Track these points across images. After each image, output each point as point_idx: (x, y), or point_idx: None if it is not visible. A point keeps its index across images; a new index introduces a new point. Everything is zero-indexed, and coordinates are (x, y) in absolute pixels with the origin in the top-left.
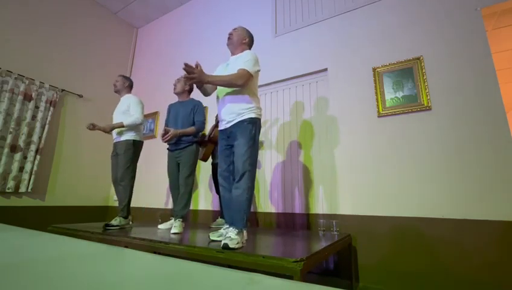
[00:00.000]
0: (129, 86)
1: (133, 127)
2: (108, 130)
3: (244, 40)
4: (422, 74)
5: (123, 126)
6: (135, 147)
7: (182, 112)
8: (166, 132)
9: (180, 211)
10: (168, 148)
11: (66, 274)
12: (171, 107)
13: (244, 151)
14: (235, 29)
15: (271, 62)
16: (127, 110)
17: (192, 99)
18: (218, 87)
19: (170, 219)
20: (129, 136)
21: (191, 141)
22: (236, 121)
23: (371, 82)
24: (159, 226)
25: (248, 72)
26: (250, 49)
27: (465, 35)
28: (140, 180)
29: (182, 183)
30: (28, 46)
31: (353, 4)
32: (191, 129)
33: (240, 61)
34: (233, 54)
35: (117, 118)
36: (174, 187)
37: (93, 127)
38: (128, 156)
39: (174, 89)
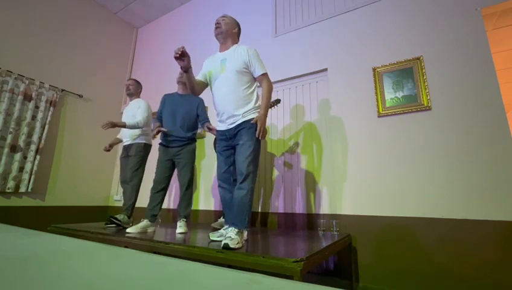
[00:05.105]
0: (140, 92)
1: (145, 131)
2: (112, 125)
3: (234, 30)
4: (422, 74)
5: (125, 126)
6: (145, 150)
7: (184, 108)
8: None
9: (184, 211)
10: (162, 144)
11: (65, 274)
12: (166, 98)
13: (249, 152)
14: (223, 17)
15: (271, 62)
16: (136, 114)
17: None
18: (215, 84)
19: (142, 221)
20: (141, 139)
21: (192, 138)
22: (241, 122)
23: (370, 82)
24: (128, 230)
25: (267, 73)
26: (239, 38)
27: (465, 35)
28: None
29: (183, 184)
30: (28, 46)
31: (353, 4)
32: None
33: (250, 60)
34: (223, 45)
35: (126, 121)
36: (160, 184)
37: (112, 125)
38: (139, 158)
39: (181, 77)
